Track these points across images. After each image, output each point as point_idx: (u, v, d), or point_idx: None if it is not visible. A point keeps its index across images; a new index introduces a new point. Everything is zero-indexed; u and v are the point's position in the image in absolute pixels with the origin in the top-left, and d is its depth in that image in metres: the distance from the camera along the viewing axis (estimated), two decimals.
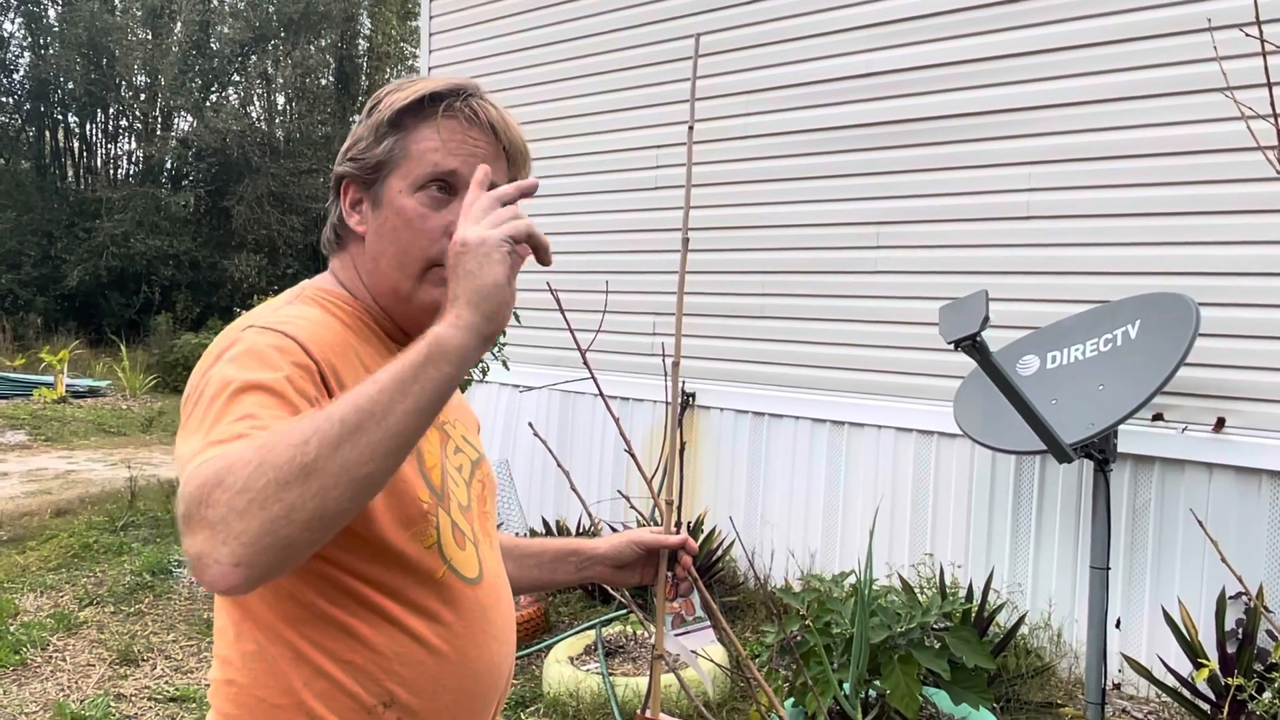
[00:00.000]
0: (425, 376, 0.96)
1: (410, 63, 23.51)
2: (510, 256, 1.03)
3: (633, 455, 1.90)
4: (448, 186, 1.22)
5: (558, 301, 2.11)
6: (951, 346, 3.35)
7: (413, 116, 1.22)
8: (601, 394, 2.02)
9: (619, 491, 1.86)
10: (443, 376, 0.97)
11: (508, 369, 5.06)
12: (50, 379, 13.24)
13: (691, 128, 1.63)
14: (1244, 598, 3.69)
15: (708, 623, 1.69)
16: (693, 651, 1.69)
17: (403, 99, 1.23)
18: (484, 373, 4.73)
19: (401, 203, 1.21)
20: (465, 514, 1.29)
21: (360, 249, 1.27)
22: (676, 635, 1.68)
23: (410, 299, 1.23)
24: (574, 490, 2.15)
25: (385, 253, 1.23)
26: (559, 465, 2.19)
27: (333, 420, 0.92)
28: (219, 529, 0.88)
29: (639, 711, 1.57)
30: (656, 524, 4.76)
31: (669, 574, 1.64)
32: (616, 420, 1.96)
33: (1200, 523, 1.88)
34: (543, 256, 1.08)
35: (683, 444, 1.66)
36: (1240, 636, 3.44)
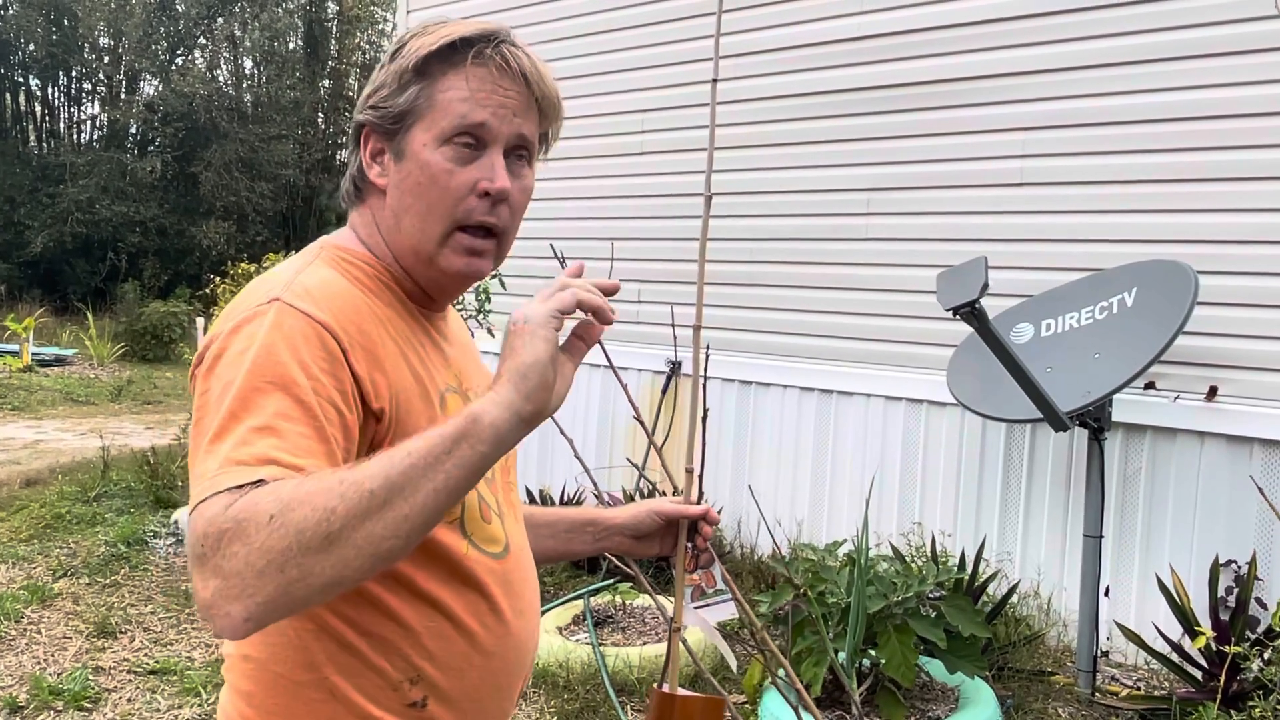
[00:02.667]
0: (459, 454, 0.92)
1: (380, 26, 23.13)
2: (555, 333, 0.99)
3: (641, 422, 1.84)
4: (476, 140, 1.13)
5: (562, 265, 2.04)
6: (949, 314, 3.32)
7: (440, 63, 1.13)
8: (610, 362, 1.96)
9: (628, 459, 1.82)
10: (476, 456, 0.93)
11: (493, 336, 4.98)
12: (15, 347, 13.00)
13: (715, 80, 1.55)
14: (1234, 565, 3.69)
15: (729, 595, 1.64)
16: (713, 625, 1.64)
17: (430, 44, 1.13)
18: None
19: (426, 156, 1.13)
20: (490, 485, 1.23)
21: (381, 203, 1.18)
22: (696, 608, 1.63)
23: (432, 262, 1.16)
24: (578, 458, 2.09)
25: (408, 209, 1.15)
26: (561, 432, 2.13)
27: (361, 490, 0.88)
28: (233, 583, 0.86)
29: (655, 686, 1.52)
30: (645, 494, 4.73)
31: (689, 545, 1.58)
32: (625, 387, 1.90)
33: (1261, 491, 1.84)
34: (603, 318, 1.06)
35: (706, 410, 1.59)
36: (1232, 604, 3.45)
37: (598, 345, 2.05)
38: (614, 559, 2.87)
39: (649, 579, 4.10)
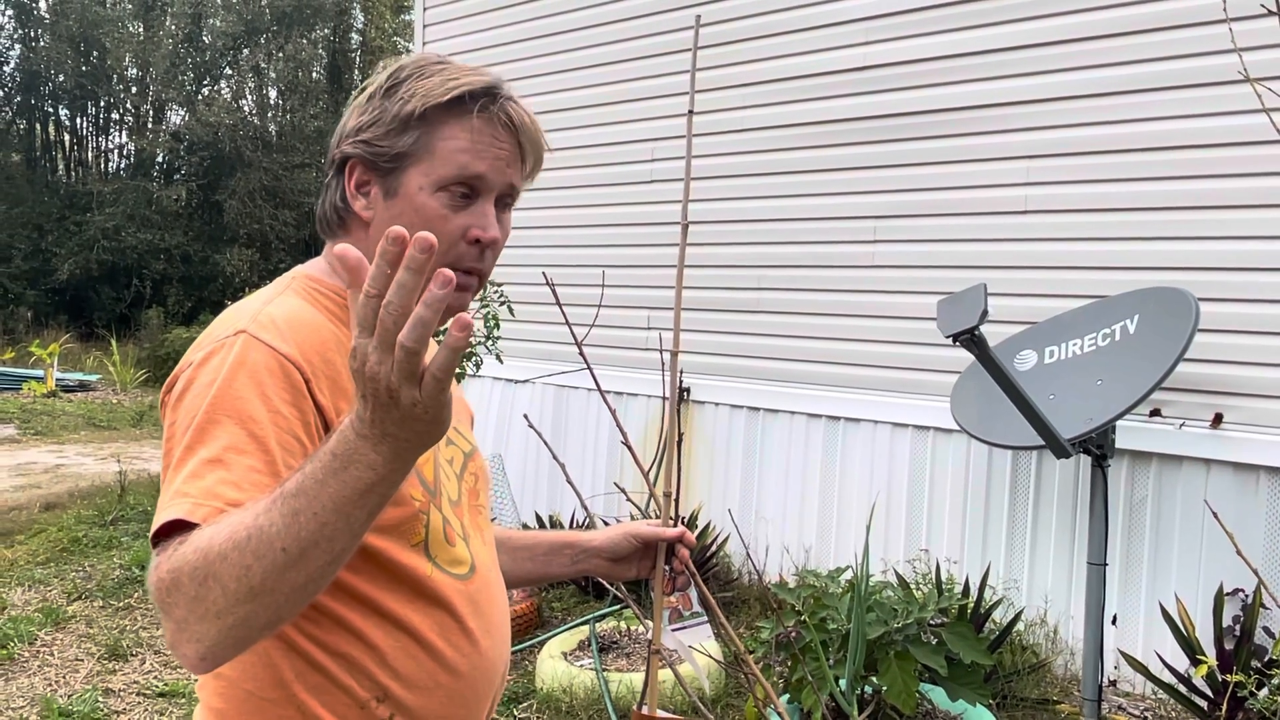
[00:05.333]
0: (367, 503, 0.88)
1: (402, 56, 23.40)
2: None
3: (629, 447, 1.87)
4: (471, 190, 1.17)
5: (554, 292, 2.07)
6: (950, 341, 3.33)
7: (443, 111, 1.16)
8: (598, 385, 1.99)
9: (615, 484, 1.84)
10: (378, 499, 0.90)
11: (501, 362, 5.02)
12: (40, 373, 13.17)
13: (691, 111, 1.59)
14: (1241, 594, 3.67)
15: (705, 618, 1.66)
16: (690, 647, 1.66)
17: (438, 95, 1.15)
18: (477, 366, 4.69)
19: (422, 200, 1.16)
20: (455, 509, 1.26)
21: (364, 234, 1.21)
22: (673, 630, 1.65)
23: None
24: (569, 483, 2.12)
25: None
26: (554, 457, 2.15)
27: (274, 549, 0.87)
28: (182, 629, 0.90)
29: (635, 708, 1.54)
30: (651, 518, 4.73)
31: (666, 568, 1.61)
32: (613, 411, 1.93)
33: (1215, 515, 1.86)
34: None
35: (680, 434, 1.64)
36: (1238, 633, 3.43)
37: (589, 373, 2.08)
38: (610, 586, 2.89)
39: (638, 603, 4.12)
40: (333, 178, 1.23)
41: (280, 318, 1.12)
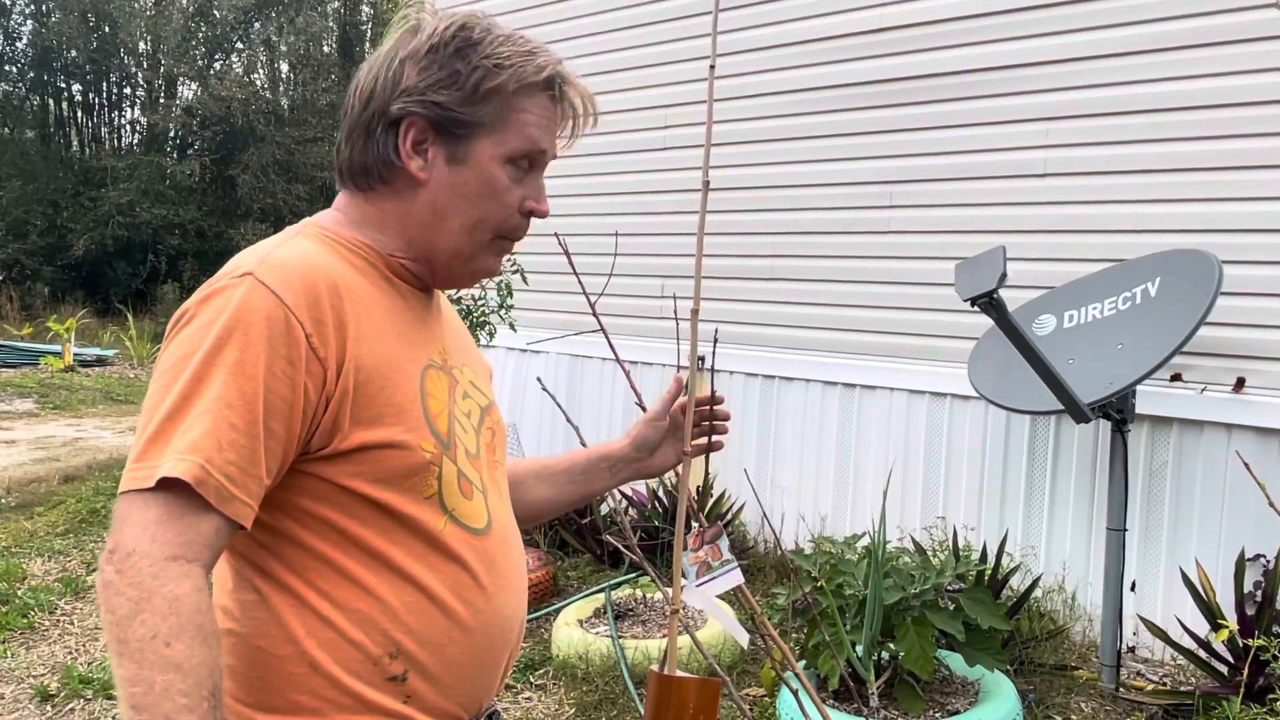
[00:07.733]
0: None
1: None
2: None
3: (643, 408, 1.85)
4: (531, 163, 1.22)
5: (568, 258, 2.05)
6: (968, 305, 3.29)
7: (528, 86, 1.19)
8: (612, 347, 1.97)
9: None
10: None
11: (515, 331, 5.00)
12: (57, 348, 13.23)
13: (713, 68, 1.56)
14: (1262, 559, 3.64)
15: (735, 563, 1.64)
16: (718, 597, 1.63)
17: (530, 75, 1.18)
18: (490, 336, 4.68)
19: (492, 171, 1.19)
20: (473, 461, 1.24)
21: (412, 194, 1.20)
22: (699, 585, 1.63)
23: (469, 262, 1.23)
24: (583, 445, 2.10)
25: (459, 212, 1.19)
26: (568, 419, 2.14)
27: (133, 686, 0.97)
28: (108, 588, 1.00)
29: (653, 668, 1.53)
30: (669, 489, 4.65)
31: (695, 524, 1.60)
32: (627, 373, 1.91)
33: (1247, 466, 1.83)
34: None
35: (719, 397, 1.64)
36: (1259, 598, 3.40)
37: (604, 338, 2.06)
38: (629, 552, 2.89)
39: (655, 568, 4.11)
40: (381, 132, 1.19)
41: (289, 262, 1.11)
